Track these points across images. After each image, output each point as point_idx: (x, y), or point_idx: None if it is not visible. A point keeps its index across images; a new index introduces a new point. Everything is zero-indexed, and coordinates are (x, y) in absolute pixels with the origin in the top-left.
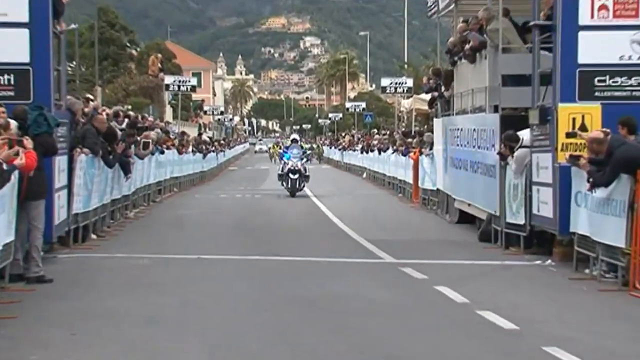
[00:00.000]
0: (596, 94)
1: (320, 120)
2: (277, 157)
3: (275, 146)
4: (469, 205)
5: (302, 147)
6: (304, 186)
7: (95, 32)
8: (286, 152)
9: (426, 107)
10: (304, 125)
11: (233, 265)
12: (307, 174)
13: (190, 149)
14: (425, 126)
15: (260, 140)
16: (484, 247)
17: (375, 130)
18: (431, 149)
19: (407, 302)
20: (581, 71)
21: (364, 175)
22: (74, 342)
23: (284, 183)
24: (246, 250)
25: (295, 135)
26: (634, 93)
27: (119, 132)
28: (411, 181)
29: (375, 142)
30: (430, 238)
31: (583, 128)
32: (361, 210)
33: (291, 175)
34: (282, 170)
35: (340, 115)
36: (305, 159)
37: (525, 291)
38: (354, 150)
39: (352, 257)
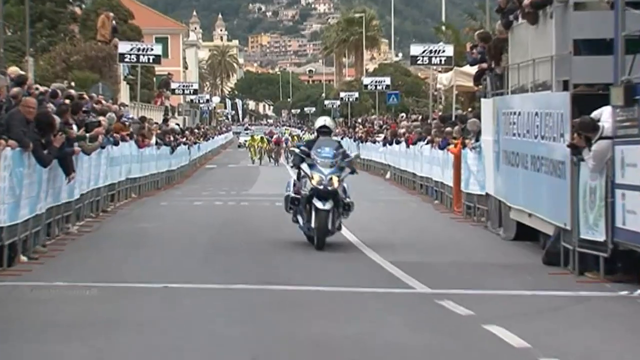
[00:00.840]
0: None
1: (327, 102)
2: (256, 155)
3: (260, 140)
4: (530, 216)
5: (339, 145)
6: (340, 225)
7: None
8: (307, 153)
9: (471, 84)
10: (306, 109)
11: (211, 298)
12: (348, 199)
13: (153, 140)
14: (470, 110)
15: (247, 129)
16: (549, 272)
17: (403, 115)
18: (477, 140)
19: (447, 347)
20: None
21: (388, 175)
22: None
23: (301, 218)
24: (229, 276)
25: (324, 120)
26: None
27: (58, 119)
28: (451, 183)
29: (402, 131)
30: (478, 260)
31: None
32: (384, 223)
33: (318, 204)
34: (295, 189)
35: (356, 94)
36: (346, 170)
37: (605, 334)
38: (374, 142)
39: (371, 285)
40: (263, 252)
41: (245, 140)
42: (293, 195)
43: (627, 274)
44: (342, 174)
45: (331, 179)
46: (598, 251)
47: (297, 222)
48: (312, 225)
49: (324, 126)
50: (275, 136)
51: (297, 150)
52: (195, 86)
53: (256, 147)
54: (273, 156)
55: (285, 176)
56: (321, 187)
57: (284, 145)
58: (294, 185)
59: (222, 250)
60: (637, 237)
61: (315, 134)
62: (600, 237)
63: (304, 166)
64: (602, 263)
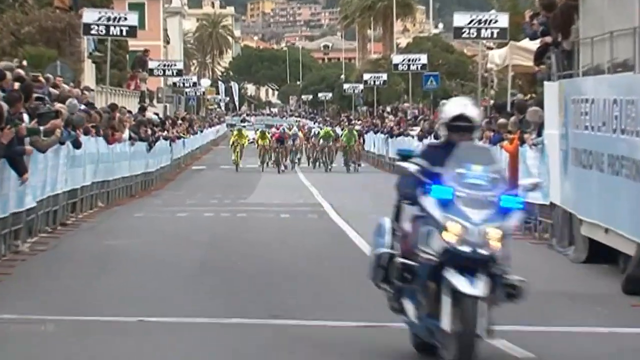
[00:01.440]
0: None
1: (348, 86)
2: (239, 158)
3: (263, 135)
4: (606, 231)
5: (492, 158)
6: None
7: None
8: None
9: (531, 63)
10: (320, 95)
11: (199, 335)
12: (512, 276)
13: (126, 134)
14: (530, 96)
15: (244, 120)
16: (632, 303)
17: (444, 102)
18: (540, 134)
19: None
20: None
21: None
22: None
23: (411, 306)
24: (222, 308)
25: (464, 106)
26: None
27: (5, 107)
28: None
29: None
30: (540, 288)
31: None
32: None
33: (461, 283)
34: (403, 245)
35: (384, 77)
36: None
37: None
38: (407, 135)
39: (388, 320)
40: (266, 276)
41: (246, 135)
42: (401, 260)
43: None
44: (507, 221)
45: (487, 233)
46: None
47: (400, 310)
48: (444, 323)
49: (464, 117)
50: (273, 131)
51: (411, 169)
52: (180, 65)
53: (240, 146)
54: (272, 158)
55: (294, 181)
56: (467, 248)
57: (292, 142)
58: (399, 235)
59: (213, 274)
60: None
61: (444, 132)
62: None
63: (429, 203)
64: None
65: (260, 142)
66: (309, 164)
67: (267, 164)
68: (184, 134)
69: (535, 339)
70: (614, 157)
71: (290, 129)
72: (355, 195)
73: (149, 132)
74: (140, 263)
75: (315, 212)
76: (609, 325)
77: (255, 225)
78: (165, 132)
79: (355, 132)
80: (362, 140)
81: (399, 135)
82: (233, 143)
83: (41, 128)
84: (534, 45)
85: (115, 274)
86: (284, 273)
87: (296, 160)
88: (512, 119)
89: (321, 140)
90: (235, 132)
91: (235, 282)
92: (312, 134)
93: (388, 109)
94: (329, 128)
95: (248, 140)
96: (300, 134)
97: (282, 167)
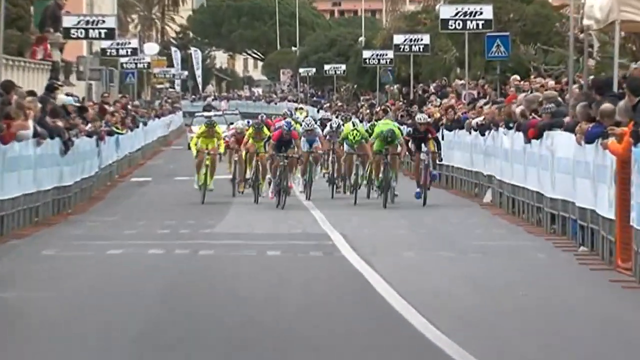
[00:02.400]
0: None
1: (369, 54)
2: (209, 178)
3: (257, 131)
4: None
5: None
6: None
7: None
8: None
9: None
10: (327, 67)
11: None
12: None
13: (30, 129)
14: None
15: (208, 107)
16: None
17: (517, 78)
18: None
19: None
20: None
21: (488, 196)
22: None
23: None
24: None
25: None
26: None
27: None
28: (611, 215)
29: (518, 110)
30: None
31: None
32: (480, 293)
33: None
34: None
35: (425, 39)
36: None
37: None
38: (461, 128)
39: None
40: (251, 350)
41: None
42: None
43: None
44: None
45: None
46: None
47: None
48: None
49: None
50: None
51: None
52: (111, 22)
53: (212, 159)
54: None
55: (288, 201)
56: None
57: (308, 146)
58: None
59: (164, 348)
60: None
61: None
62: None
63: None
64: None
65: (249, 144)
66: (333, 185)
67: (252, 184)
68: (118, 128)
69: None
70: None
71: (302, 123)
72: (379, 222)
73: (64, 125)
74: (50, 330)
75: (319, 248)
76: None
77: (229, 270)
78: (90, 124)
79: (398, 129)
80: (435, 145)
81: (450, 127)
82: (198, 153)
83: None
84: None
85: (8, 347)
86: (274, 344)
87: (314, 178)
88: (622, 103)
89: (346, 145)
90: (200, 131)
91: (206, 355)
92: (330, 131)
93: (432, 88)
94: (359, 124)
95: (224, 144)
96: (319, 131)
97: (282, 198)
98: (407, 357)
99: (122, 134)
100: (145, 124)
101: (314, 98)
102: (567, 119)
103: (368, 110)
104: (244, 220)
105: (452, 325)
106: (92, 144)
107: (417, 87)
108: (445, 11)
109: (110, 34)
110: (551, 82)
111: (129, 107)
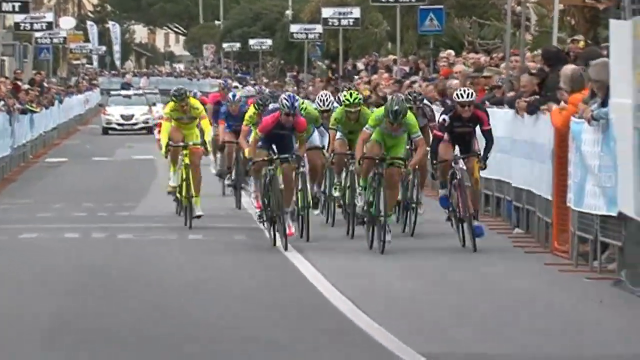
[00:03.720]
0: None
1: (297, 28)
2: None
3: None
4: None
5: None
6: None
7: None
8: None
9: None
10: (252, 42)
11: None
12: None
13: None
14: (588, 42)
15: (126, 85)
16: None
17: (451, 53)
18: (605, 104)
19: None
20: None
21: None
22: None
23: None
24: None
25: None
26: None
27: None
28: (548, 194)
29: (455, 82)
30: (607, 352)
31: None
32: (407, 278)
33: None
34: None
35: (355, 13)
36: None
37: None
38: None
39: None
40: (172, 341)
41: (131, 115)
42: None
43: None
44: None
45: None
46: None
47: None
48: None
49: None
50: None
51: None
52: None
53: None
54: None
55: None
56: None
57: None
58: None
59: (83, 339)
60: None
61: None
62: None
63: None
64: None
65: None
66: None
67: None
68: (32, 106)
69: None
70: None
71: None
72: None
73: None
74: None
75: (243, 232)
76: None
77: (152, 254)
78: (2, 102)
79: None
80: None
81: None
82: (169, 149)
83: None
84: None
85: None
86: (203, 333)
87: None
88: (569, 69)
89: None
90: (169, 109)
91: (121, 351)
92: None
93: (360, 64)
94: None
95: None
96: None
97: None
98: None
99: (36, 112)
100: (60, 101)
101: (239, 74)
102: (511, 94)
103: (295, 87)
104: (164, 202)
105: (384, 311)
106: (5, 123)
107: (346, 63)
108: None
109: (24, 8)
110: (484, 58)
111: (44, 84)
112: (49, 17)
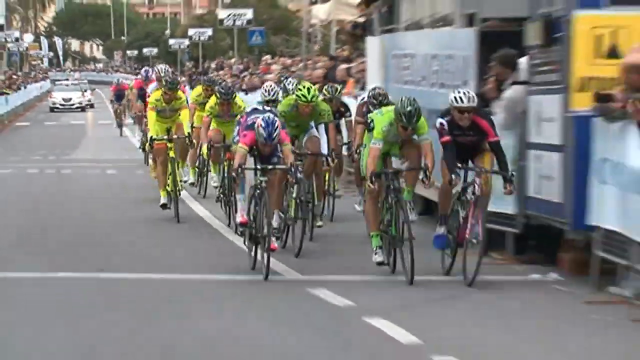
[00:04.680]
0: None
1: (173, 42)
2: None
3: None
4: None
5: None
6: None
7: None
8: None
9: (354, 18)
10: (145, 50)
11: (30, 290)
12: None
13: None
14: (352, 54)
15: (66, 77)
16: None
17: (268, 58)
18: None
19: (323, 345)
20: None
21: None
22: None
23: None
24: (52, 263)
25: None
26: None
27: None
28: None
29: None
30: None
31: (614, 52)
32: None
33: None
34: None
35: (209, 32)
36: None
37: (511, 327)
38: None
39: (230, 271)
40: (94, 231)
41: (70, 98)
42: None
43: (540, 253)
44: None
45: None
46: (507, 226)
47: None
48: None
49: None
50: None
51: None
52: (1, 20)
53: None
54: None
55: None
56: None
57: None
58: None
59: (41, 230)
60: (552, 208)
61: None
62: (510, 209)
63: None
64: (512, 241)
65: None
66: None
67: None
68: (6, 91)
69: (353, 288)
70: (433, 113)
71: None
72: None
73: None
74: None
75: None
76: (423, 274)
77: (82, 182)
78: None
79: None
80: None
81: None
82: (153, 146)
83: None
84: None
85: None
86: (112, 228)
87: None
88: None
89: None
90: (154, 97)
91: (63, 237)
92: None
93: (213, 65)
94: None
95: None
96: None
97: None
98: (203, 238)
99: (9, 94)
100: (25, 87)
101: (136, 71)
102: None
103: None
104: (90, 151)
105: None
106: None
107: (204, 64)
108: (222, 13)
109: (1, 28)
110: (288, 61)
111: (14, 76)
112: (16, 34)
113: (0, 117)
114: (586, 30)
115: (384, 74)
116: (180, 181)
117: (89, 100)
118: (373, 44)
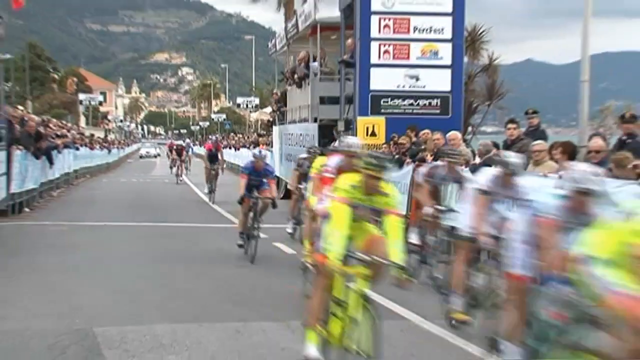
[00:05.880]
0: (382, 110)
1: (192, 127)
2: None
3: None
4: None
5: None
6: None
7: (26, 61)
8: None
9: (269, 117)
10: (181, 130)
11: (129, 230)
12: None
13: (98, 146)
14: (267, 133)
15: (144, 142)
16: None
17: (233, 135)
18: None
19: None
20: (372, 95)
21: None
22: (9, 283)
23: None
24: (135, 217)
25: None
26: (405, 110)
27: (44, 134)
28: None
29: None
30: None
31: (373, 134)
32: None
33: None
34: None
35: (208, 123)
36: None
37: None
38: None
39: (214, 222)
40: (162, 205)
41: (148, 152)
42: None
43: None
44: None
45: None
46: None
47: None
48: None
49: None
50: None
51: None
52: (121, 118)
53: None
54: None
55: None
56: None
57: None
58: None
59: (136, 205)
60: None
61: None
62: None
63: None
64: None
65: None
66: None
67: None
68: (124, 147)
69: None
70: (296, 156)
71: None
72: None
73: (108, 145)
74: (106, 200)
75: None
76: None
77: (154, 187)
78: (116, 145)
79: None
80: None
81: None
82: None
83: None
84: (269, 110)
85: (95, 205)
86: (170, 205)
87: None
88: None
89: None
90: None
91: (147, 209)
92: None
93: (212, 137)
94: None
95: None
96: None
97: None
98: (202, 211)
99: (124, 148)
100: (129, 145)
101: (177, 137)
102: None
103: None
104: (160, 171)
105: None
106: (117, 151)
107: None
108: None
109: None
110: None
111: (122, 141)
112: (128, 123)
113: (120, 159)
114: (362, 125)
115: (280, 142)
116: None
117: (158, 153)
118: (276, 129)
